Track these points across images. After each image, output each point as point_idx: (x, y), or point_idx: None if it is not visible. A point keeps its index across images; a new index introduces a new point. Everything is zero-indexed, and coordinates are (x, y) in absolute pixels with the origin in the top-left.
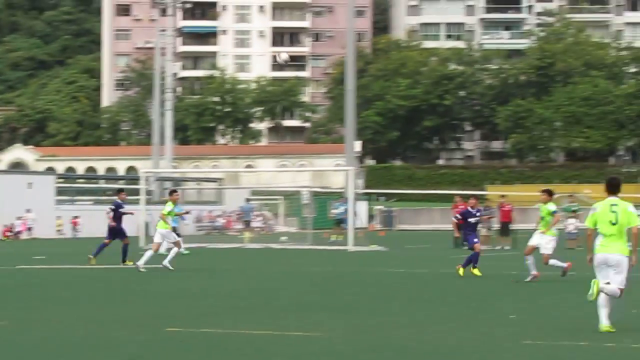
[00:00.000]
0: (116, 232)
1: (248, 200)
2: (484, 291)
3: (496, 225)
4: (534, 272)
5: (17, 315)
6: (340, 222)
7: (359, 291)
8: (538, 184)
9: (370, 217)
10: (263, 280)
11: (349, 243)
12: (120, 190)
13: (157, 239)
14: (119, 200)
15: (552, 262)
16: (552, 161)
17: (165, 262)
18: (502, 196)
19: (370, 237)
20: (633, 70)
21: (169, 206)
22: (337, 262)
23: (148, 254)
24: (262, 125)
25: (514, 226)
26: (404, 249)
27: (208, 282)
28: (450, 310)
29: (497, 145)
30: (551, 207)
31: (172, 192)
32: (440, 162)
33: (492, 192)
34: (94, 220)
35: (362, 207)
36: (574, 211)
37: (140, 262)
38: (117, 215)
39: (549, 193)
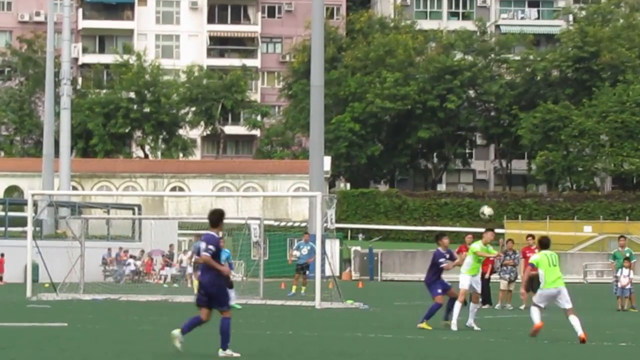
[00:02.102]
0: None
1: (200, 237)
2: None
3: (520, 277)
4: None
5: None
6: (303, 267)
7: None
8: (577, 221)
9: (345, 261)
10: (197, 345)
11: (316, 297)
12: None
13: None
14: None
15: None
16: (596, 189)
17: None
18: (529, 236)
19: (345, 290)
20: None
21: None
22: (299, 323)
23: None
24: (195, 133)
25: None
26: (392, 307)
27: (121, 348)
28: None
29: (519, 165)
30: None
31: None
32: (442, 187)
33: (514, 229)
34: None
35: (334, 247)
36: (627, 259)
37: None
38: None
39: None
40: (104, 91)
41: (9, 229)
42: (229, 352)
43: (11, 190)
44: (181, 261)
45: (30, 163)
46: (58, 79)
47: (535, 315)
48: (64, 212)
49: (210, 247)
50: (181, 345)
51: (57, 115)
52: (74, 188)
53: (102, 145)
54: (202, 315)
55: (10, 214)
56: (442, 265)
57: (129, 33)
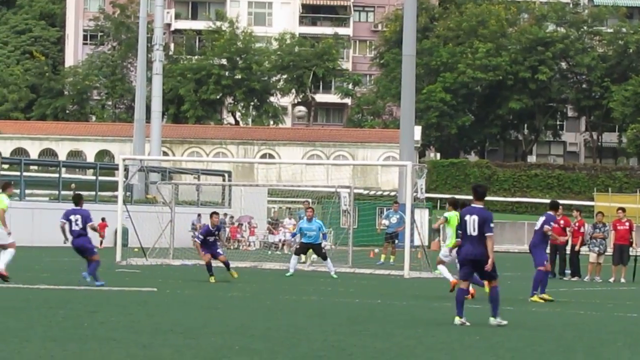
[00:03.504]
0: None
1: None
2: (590, 339)
3: (609, 249)
4: None
5: None
6: (392, 237)
7: (420, 334)
8: None
9: (434, 231)
10: (285, 313)
11: (405, 267)
12: None
13: None
14: None
15: None
16: None
17: None
18: (619, 209)
19: (433, 260)
20: None
21: None
22: (387, 292)
23: None
24: (286, 100)
25: (634, 251)
26: None
27: (209, 314)
28: None
29: (610, 138)
30: None
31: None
32: (532, 159)
33: (603, 202)
34: (50, 222)
35: (423, 217)
36: None
37: None
38: None
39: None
40: (196, 57)
41: (100, 193)
42: (498, 319)
43: (102, 154)
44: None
45: (121, 128)
46: (150, 44)
47: (446, 273)
48: (155, 178)
49: (493, 225)
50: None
51: (149, 80)
52: (165, 153)
53: (193, 111)
54: (462, 286)
55: (101, 178)
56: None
57: (222, 0)
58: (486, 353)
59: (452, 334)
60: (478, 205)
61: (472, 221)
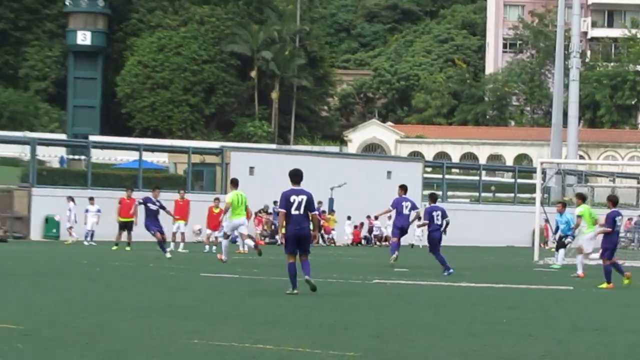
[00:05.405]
0: None
1: None
2: None
3: None
4: None
5: (374, 345)
6: None
7: None
8: None
9: None
10: None
11: None
12: None
13: None
14: None
15: None
16: None
17: None
18: None
19: None
20: None
21: None
22: None
23: None
24: None
25: None
26: None
27: (625, 311)
28: None
29: None
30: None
31: None
32: None
33: None
34: (469, 223)
35: None
36: None
37: None
38: None
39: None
40: (612, 64)
41: (518, 195)
42: None
43: (520, 158)
44: None
45: (538, 132)
46: (567, 51)
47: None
48: (571, 180)
49: None
50: None
51: (566, 86)
52: (581, 157)
53: (608, 116)
54: None
55: (520, 181)
56: None
57: (638, 8)
58: None
59: None
60: None
61: None
